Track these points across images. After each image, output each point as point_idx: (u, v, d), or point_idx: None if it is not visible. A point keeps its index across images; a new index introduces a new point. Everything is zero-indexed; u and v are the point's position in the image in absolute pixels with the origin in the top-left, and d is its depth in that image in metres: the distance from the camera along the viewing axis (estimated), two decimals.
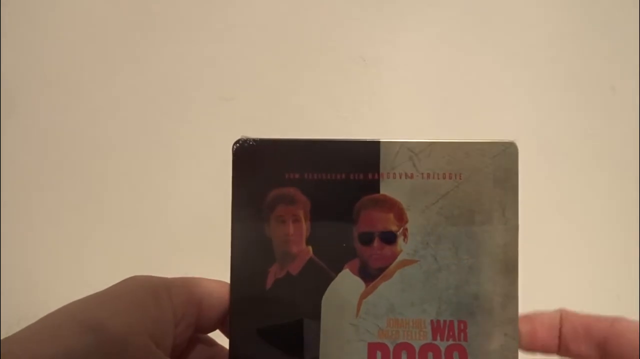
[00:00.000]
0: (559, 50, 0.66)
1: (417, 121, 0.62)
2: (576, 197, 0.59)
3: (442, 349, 0.31)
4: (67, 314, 0.27)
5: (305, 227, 0.31)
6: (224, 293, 0.32)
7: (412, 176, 0.31)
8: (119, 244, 0.58)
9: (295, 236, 0.31)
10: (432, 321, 0.31)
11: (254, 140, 0.32)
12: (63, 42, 0.64)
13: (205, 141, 0.61)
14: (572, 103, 0.64)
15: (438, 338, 0.31)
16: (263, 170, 0.31)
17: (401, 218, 0.31)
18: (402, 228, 0.31)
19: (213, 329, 0.33)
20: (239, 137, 0.32)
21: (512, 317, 0.31)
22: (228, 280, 0.32)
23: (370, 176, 0.31)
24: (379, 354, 0.31)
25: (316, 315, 0.31)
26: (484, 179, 0.31)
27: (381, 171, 0.31)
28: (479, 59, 0.66)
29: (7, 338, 0.25)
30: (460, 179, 0.31)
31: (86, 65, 0.63)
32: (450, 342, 0.31)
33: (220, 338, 0.33)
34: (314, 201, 0.31)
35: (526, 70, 0.66)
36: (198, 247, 0.57)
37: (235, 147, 0.31)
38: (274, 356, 0.31)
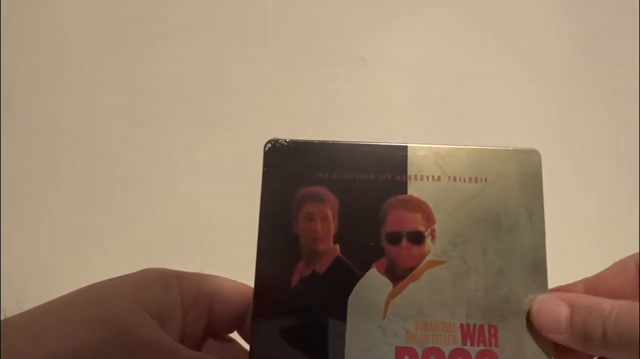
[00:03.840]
0: (560, 52, 0.67)
1: (417, 120, 0.61)
2: (576, 197, 0.57)
3: (473, 354, 0.29)
4: (65, 302, 0.27)
5: (333, 225, 0.31)
6: (239, 292, 0.31)
7: (439, 179, 0.32)
8: (125, 247, 0.56)
9: (322, 234, 0.31)
10: (461, 324, 0.30)
11: (285, 140, 0.32)
12: (63, 43, 0.65)
13: (206, 141, 0.61)
14: (573, 105, 0.64)
15: (468, 342, 0.30)
16: (293, 168, 0.32)
17: (429, 219, 0.31)
18: (430, 229, 0.31)
19: (230, 331, 0.32)
20: (270, 137, 0.33)
21: None
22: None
23: (398, 177, 0.32)
24: (406, 358, 0.29)
25: (342, 316, 0.30)
26: (510, 184, 0.32)
27: (409, 172, 0.32)
28: (479, 61, 0.67)
29: (7, 323, 0.25)
30: (486, 183, 0.32)
31: (86, 65, 0.64)
32: (481, 347, 0.29)
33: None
34: (342, 200, 0.31)
35: (527, 71, 0.67)
36: (202, 247, 0.55)
37: (267, 146, 0.32)
38: (297, 358, 0.29)
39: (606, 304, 0.27)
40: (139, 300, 0.27)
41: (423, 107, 0.64)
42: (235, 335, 0.33)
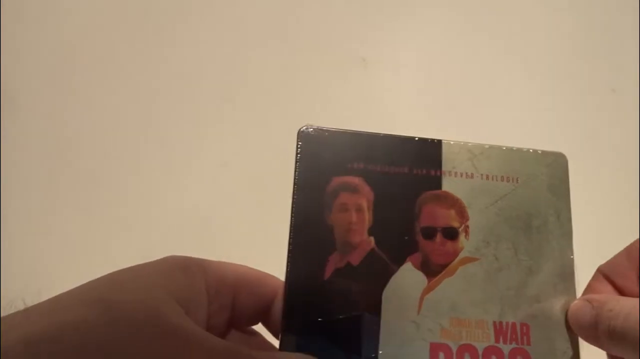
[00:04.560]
0: (560, 52, 0.68)
1: (418, 121, 0.61)
2: (574, 196, 0.59)
3: (506, 352, 0.29)
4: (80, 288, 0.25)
5: (367, 217, 0.30)
6: (264, 282, 0.30)
7: (472, 176, 0.32)
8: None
9: (357, 226, 0.30)
10: (494, 322, 0.30)
11: (320, 128, 0.32)
12: (64, 43, 0.62)
13: (204, 141, 0.59)
14: (572, 104, 0.65)
15: (501, 340, 0.29)
16: (327, 157, 0.31)
17: (463, 215, 0.31)
18: (463, 225, 0.31)
19: (254, 322, 0.30)
20: (304, 124, 0.31)
21: None
22: None
23: (432, 173, 0.31)
24: (441, 355, 0.29)
25: (376, 309, 0.29)
26: (540, 185, 0.32)
27: (443, 168, 0.32)
28: (479, 61, 0.67)
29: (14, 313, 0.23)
30: (517, 183, 0.32)
31: (87, 65, 0.61)
32: (514, 345, 0.29)
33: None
34: (377, 191, 0.31)
35: (527, 71, 0.67)
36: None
37: (301, 132, 0.31)
38: (329, 352, 0.28)
39: (620, 303, 0.28)
40: (164, 287, 0.25)
41: (424, 107, 0.64)
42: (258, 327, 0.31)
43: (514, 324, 0.30)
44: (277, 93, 0.61)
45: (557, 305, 0.30)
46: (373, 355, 0.28)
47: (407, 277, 0.30)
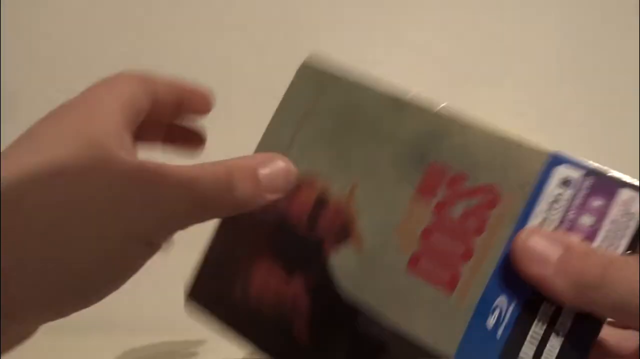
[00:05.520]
0: (560, 53, 0.68)
1: None
2: None
3: (439, 200, 0.28)
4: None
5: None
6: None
7: None
8: None
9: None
10: (412, 194, 0.29)
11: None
12: (64, 43, 0.63)
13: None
14: (572, 104, 0.64)
15: (430, 195, 0.29)
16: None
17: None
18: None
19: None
20: None
21: None
22: None
23: None
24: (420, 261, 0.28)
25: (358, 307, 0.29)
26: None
27: None
28: (478, 60, 0.67)
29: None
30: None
31: (87, 65, 0.60)
32: (444, 191, 0.28)
33: None
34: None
35: (526, 72, 0.66)
36: None
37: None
38: None
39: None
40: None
41: None
42: None
43: (425, 177, 0.29)
44: (274, 94, 0.62)
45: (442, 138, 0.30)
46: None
47: (342, 260, 0.30)
